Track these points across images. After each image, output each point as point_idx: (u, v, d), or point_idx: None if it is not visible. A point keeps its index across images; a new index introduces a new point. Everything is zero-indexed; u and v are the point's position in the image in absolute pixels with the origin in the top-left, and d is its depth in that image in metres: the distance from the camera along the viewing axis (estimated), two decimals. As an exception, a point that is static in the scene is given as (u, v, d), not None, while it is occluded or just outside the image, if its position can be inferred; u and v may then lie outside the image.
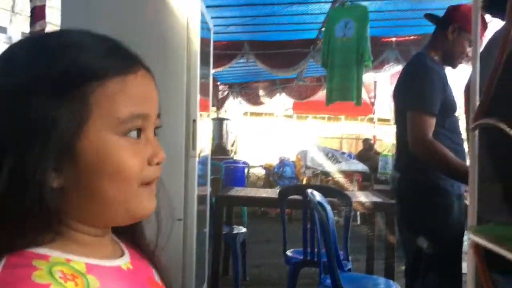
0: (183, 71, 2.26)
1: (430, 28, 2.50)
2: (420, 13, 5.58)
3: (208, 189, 3.02)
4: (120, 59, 0.60)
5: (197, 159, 2.28)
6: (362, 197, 3.43)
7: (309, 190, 2.69)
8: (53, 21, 3.53)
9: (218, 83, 9.65)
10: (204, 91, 2.85)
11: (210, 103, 3.01)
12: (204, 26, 2.47)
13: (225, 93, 10.03)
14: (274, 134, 13.77)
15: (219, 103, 9.91)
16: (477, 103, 0.84)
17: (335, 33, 4.56)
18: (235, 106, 12.76)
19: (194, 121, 2.26)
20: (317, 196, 2.70)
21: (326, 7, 5.44)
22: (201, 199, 2.74)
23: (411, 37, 6.43)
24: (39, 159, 0.54)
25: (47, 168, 0.54)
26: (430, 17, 2.42)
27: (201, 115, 2.93)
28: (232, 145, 11.71)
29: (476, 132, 0.88)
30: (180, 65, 2.26)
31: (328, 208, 2.74)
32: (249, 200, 3.66)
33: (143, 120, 0.61)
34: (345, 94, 4.53)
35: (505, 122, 0.68)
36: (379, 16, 5.58)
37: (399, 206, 2.32)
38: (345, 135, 13.20)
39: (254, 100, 10.31)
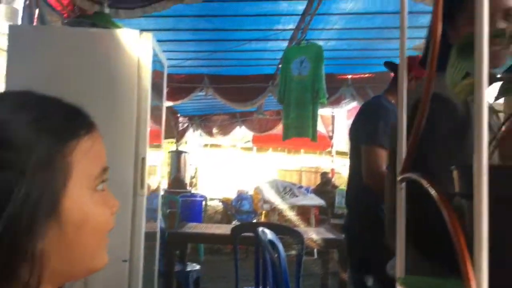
0: (133, 109, 2.24)
1: (384, 67, 2.59)
2: (373, 52, 5.82)
3: (159, 225, 2.97)
4: (85, 118, 0.66)
5: (145, 197, 2.25)
6: (314, 234, 3.44)
7: (260, 229, 2.68)
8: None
9: (178, 115, 9.63)
10: (156, 123, 2.84)
11: (163, 136, 2.98)
12: (156, 59, 2.47)
13: (185, 125, 10.00)
14: (234, 167, 13.77)
15: (179, 135, 9.85)
16: (404, 155, 0.87)
17: (291, 71, 4.66)
18: (195, 138, 12.73)
19: (143, 159, 2.24)
20: (269, 234, 2.69)
21: (284, 44, 5.58)
22: (151, 236, 2.68)
23: (366, 75, 6.65)
24: (28, 228, 0.54)
25: (36, 236, 0.55)
26: (388, 65, 2.51)
27: (156, 146, 2.91)
28: (193, 177, 11.61)
29: (403, 184, 0.90)
30: (130, 103, 2.24)
31: (280, 246, 2.73)
32: (201, 237, 3.61)
33: (106, 172, 0.66)
34: (301, 130, 4.59)
35: (427, 178, 0.70)
36: (335, 55, 5.76)
37: (347, 242, 2.35)
38: (304, 168, 13.34)
39: (214, 132, 10.31)
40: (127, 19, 3.37)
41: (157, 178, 3.27)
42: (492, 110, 1.23)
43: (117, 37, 2.27)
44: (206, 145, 14.61)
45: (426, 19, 3.92)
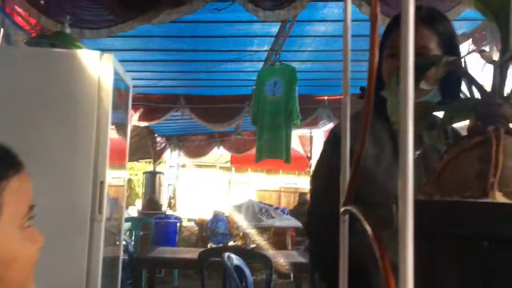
0: (92, 131, 2.18)
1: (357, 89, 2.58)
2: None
3: (121, 251, 2.87)
4: (13, 159, 0.68)
5: (103, 222, 2.17)
6: (283, 259, 3.38)
7: (226, 254, 2.62)
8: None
9: (156, 135, 9.54)
10: (121, 143, 2.77)
11: (127, 155, 2.92)
12: (118, 79, 2.42)
13: (163, 145, 9.91)
14: (213, 187, 13.66)
15: (156, 155, 9.75)
16: (346, 186, 0.81)
17: (264, 92, 4.65)
18: (174, 157, 12.63)
19: (102, 182, 2.16)
20: (235, 260, 2.62)
21: (259, 65, 5.58)
22: (112, 262, 2.59)
23: (342, 96, 6.66)
24: None
25: None
26: (363, 89, 2.49)
27: (119, 167, 2.83)
28: (172, 198, 11.47)
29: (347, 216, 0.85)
30: (89, 125, 2.18)
31: (247, 272, 2.66)
32: (168, 262, 3.52)
33: (33, 210, 0.69)
34: (274, 152, 4.57)
35: (362, 213, 0.65)
36: (311, 76, 5.78)
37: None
38: (283, 188, 13.30)
39: (192, 152, 10.24)
40: (98, 39, 3.34)
41: (123, 200, 3.18)
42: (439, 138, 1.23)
43: (77, 58, 2.21)
44: (184, 165, 14.50)
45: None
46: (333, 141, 1.31)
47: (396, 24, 1.23)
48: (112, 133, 2.35)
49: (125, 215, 7.34)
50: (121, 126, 2.55)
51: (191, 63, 5.67)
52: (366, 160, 1.16)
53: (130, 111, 2.84)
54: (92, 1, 2.68)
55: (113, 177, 2.50)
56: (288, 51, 4.93)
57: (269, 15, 2.77)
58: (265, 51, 5.15)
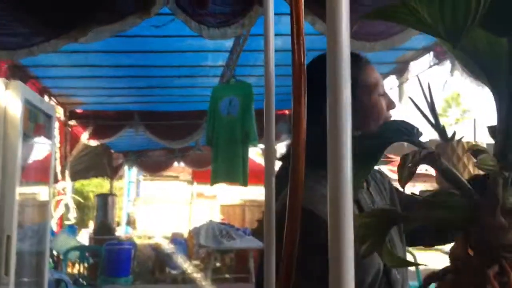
0: (-3, 175, 1.82)
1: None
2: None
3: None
4: None
5: (11, 285, 1.80)
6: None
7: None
8: None
9: (112, 151, 9.10)
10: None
11: (51, 177, 2.57)
12: (31, 107, 2.07)
13: (120, 161, 9.47)
14: (175, 201, 13.20)
15: (113, 172, 9.30)
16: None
17: (219, 111, 4.35)
18: (133, 173, 12.17)
19: (9, 237, 1.80)
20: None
21: (216, 80, 5.29)
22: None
23: (303, 111, 6.45)
24: None
25: None
26: None
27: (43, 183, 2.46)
28: (132, 215, 11.02)
29: None
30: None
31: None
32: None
33: None
34: (230, 175, 4.26)
35: None
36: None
37: None
38: (248, 201, 12.97)
39: (151, 168, 9.84)
40: (31, 56, 2.98)
41: (50, 221, 2.81)
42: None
43: (-21, 87, 1.86)
44: (145, 177, 14.01)
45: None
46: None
47: (364, 68, 1.24)
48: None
49: (77, 239, 6.88)
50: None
51: (143, 79, 5.34)
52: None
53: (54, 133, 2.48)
54: (9, 17, 2.32)
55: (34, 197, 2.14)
56: (243, 65, 4.65)
57: (215, 33, 2.48)
58: (220, 66, 4.87)
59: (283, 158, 1.30)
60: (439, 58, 4.46)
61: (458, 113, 22.68)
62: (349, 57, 0.34)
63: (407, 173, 0.44)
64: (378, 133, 0.60)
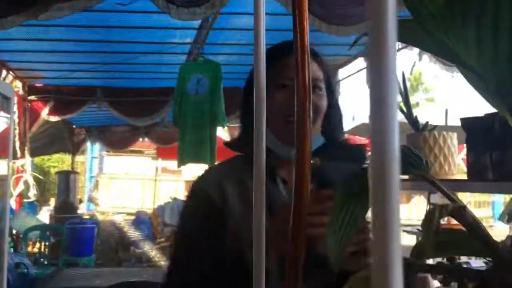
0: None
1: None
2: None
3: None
4: None
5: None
6: None
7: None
8: None
9: (74, 126, 8.84)
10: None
11: (10, 148, 2.47)
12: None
13: (82, 136, 9.22)
14: (139, 177, 13.03)
15: (75, 148, 9.06)
16: None
17: (187, 90, 4.25)
18: (96, 149, 11.91)
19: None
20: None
21: (183, 58, 5.17)
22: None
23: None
24: None
25: None
26: None
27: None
28: (93, 191, 10.81)
29: None
30: None
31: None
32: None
33: None
34: (198, 156, 4.20)
35: None
36: (238, 69, 5.44)
37: None
38: (214, 177, 12.84)
39: (114, 144, 9.62)
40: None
41: (9, 198, 2.71)
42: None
43: None
44: (109, 152, 13.72)
45: (327, 37, 3.74)
46: (195, 200, 1.13)
47: (286, 52, 1.08)
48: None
49: (37, 217, 6.70)
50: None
51: (108, 54, 5.16)
52: (235, 218, 1.03)
53: (14, 115, 2.36)
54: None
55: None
56: (212, 43, 4.55)
57: (183, 13, 2.39)
58: (188, 43, 4.75)
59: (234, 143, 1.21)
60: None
61: (421, 94, 22.96)
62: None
63: (432, 235, 0.36)
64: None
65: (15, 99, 4.76)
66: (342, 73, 5.57)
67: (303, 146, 0.45)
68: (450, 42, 0.37)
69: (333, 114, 1.15)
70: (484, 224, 0.44)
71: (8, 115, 2.73)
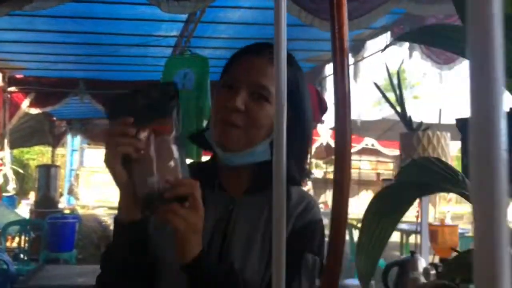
0: None
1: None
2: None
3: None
4: None
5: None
6: None
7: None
8: None
9: (54, 118, 8.67)
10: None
11: None
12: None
13: (63, 129, 9.06)
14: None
15: (55, 141, 8.89)
16: None
17: (173, 84, 4.17)
18: (77, 142, 11.71)
19: None
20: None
21: (169, 51, 5.09)
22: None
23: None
24: None
25: None
26: None
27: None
28: (73, 185, 10.63)
29: None
30: None
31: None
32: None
33: None
34: (185, 150, 4.13)
35: None
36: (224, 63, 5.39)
37: None
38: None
39: (96, 137, 9.48)
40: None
41: None
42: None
43: None
44: (90, 145, 13.52)
45: (316, 32, 3.69)
46: None
47: (239, 56, 1.07)
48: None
49: (16, 212, 6.56)
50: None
51: (91, 46, 5.05)
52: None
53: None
54: None
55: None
56: (198, 37, 4.48)
57: (174, 6, 2.32)
58: (174, 36, 4.67)
59: None
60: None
61: (404, 89, 23.15)
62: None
63: None
64: (416, 180, 0.52)
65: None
66: (328, 68, 5.55)
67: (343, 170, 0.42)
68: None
69: (295, 134, 0.98)
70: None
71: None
